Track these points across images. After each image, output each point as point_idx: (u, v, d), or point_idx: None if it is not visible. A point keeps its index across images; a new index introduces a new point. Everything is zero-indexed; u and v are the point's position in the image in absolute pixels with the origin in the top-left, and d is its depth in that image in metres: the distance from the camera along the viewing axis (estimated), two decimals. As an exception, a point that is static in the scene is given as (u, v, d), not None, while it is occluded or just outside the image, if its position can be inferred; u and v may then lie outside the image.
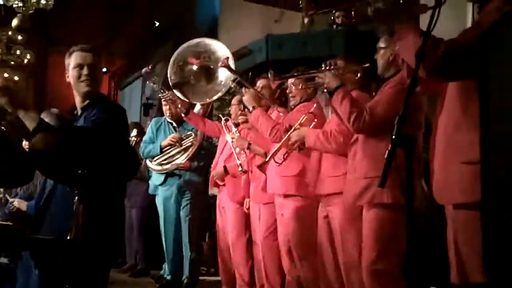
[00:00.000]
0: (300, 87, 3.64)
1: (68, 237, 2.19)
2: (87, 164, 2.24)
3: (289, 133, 3.48)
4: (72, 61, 2.75)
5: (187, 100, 4.73)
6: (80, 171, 2.23)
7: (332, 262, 3.28)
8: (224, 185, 4.67)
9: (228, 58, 4.24)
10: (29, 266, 2.68)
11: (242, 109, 4.26)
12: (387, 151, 1.73)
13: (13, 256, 3.11)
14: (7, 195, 4.71)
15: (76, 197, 2.22)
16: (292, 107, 3.85)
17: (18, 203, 4.33)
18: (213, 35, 8.25)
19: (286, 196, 3.74)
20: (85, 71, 2.71)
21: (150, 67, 4.85)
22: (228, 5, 8.75)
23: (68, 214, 2.58)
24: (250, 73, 4.78)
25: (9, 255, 3.19)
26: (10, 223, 2.77)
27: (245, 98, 3.86)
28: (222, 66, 4.13)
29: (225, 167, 4.62)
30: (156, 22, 10.69)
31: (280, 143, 3.56)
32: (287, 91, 3.87)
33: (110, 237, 2.70)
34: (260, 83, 4.23)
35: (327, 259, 3.32)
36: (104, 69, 12.21)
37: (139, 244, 6.20)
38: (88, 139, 2.36)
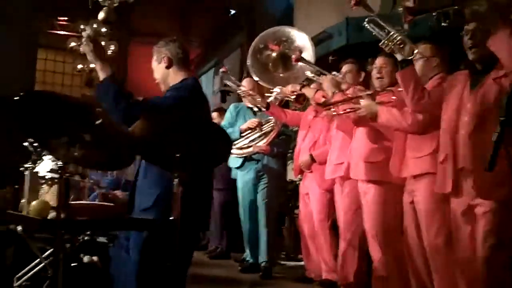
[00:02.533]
0: (389, 68, 3.58)
1: (171, 218, 2.29)
2: (184, 147, 2.33)
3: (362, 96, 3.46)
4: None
5: (267, 86, 4.81)
6: (178, 155, 2.34)
7: (419, 248, 3.24)
8: (311, 172, 4.67)
9: (300, 51, 4.27)
10: (124, 245, 2.84)
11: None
12: (495, 134, 1.70)
13: (111, 235, 3.29)
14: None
15: (176, 180, 2.32)
16: (378, 89, 3.80)
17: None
18: (288, 20, 8.25)
19: (370, 181, 3.71)
20: None
21: (225, 68, 4.96)
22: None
23: (150, 197, 2.74)
24: (331, 58, 4.77)
25: (107, 234, 3.38)
26: (111, 204, 2.92)
27: (324, 85, 3.84)
28: (295, 61, 4.17)
29: (311, 155, 4.63)
30: (231, 10, 10.80)
31: (348, 100, 3.54)
32: (375, 73, 3.78)
33: (203, 218, 2.82)
34: (344, 68, 4.21)
35: (413, 245, 3.29)
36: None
37: (220, 226, 6.31)
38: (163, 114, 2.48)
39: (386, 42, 3.11)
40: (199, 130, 2.37)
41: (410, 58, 3.06)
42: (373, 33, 3.21)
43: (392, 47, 3.08)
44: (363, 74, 4.23)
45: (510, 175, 2.21)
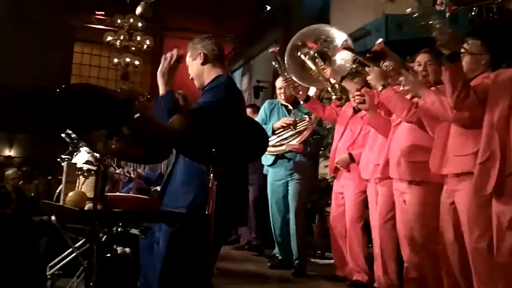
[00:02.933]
0: (434, 66, 3.48)
1: (206, 212, 2.29)
2: (221, 142, 2.33)
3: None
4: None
5: (302, 84, 4.75)
6: (214, 149, 2.34)
7: (457, 250, 3.15)
8: (348, 171, 4.60)
9: (347, 39, 4.20)
10: (156, 238, 2.86)
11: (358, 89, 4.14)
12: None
13: (143, 227, 3.31)
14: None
15: (211, 175, 2.32)
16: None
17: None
18: (324, 17, 8.19)
19: (409, 181, 3.60)
20: None
21: (278, 47, 4.86)
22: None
23: (184, 190, 2.77)
24: (368, 55, 4.68)
25: (139, 226, 3.41)
26: (145, 196, 2.94)
27: (370, 77, 3.69)
28: (343, 49, 4.08)
29: (350, 154, 4.56)
30: (267, 6, 10.78)
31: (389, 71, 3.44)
32: (420, 69, 3.61)
33: (239, 213, 2.82)
34: (388, 63, 4.08)
35: (450, 246, 3.21)
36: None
37: (253, 222, 6.26)
38: (210, 117, 2.48)
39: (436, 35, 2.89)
40: (235, 125, 2.36)
41: (458, 53, 2.90)
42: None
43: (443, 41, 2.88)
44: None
45: None
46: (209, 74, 2.98)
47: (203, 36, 3.06)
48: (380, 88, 3.62)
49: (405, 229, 3.66)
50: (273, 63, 4.92)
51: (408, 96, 3.59)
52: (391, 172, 3.75)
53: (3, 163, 13.58)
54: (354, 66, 4.03)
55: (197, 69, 3.00)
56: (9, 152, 15.45)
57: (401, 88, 3.49)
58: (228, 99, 2.80)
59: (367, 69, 3.72)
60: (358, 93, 3.99)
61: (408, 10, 3.02)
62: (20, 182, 8.19)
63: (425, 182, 3.49)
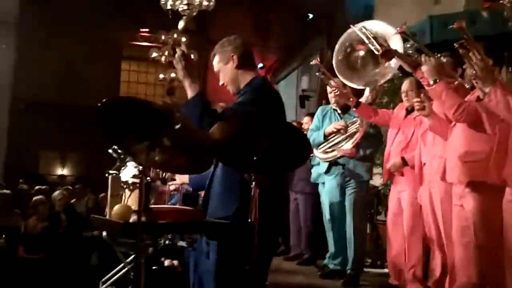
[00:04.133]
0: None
1: (249, 220, 2.26)
2: (262, 150, 2.30)
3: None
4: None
5: (354, 86, 4.66)
6: (255, 157, 2.31)
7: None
8: (402, 175, 4.44)
9: (404, 24, 4.07)
10: (204, 250, 2.83)
11: (417, 93, 4.00)
12: None
13: (191, 239, 3.31)
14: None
15: (253, 183, 2.29)
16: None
17: None
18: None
19: (468, 184, 3.38)
20: None
21: (317, 58, 4.84)
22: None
23: (224, 198, 2.71)
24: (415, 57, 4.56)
25: (187, 238, 3.41)
26: (190, 208, 2.93)
27: (425, 68, 3.47)
28: (399, 33, 3.96)
29: (403, 158, 4.40)
30: (309, 14, 10.75)
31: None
32: (470, 72, 3.38)
33: (276, 222, 2.75)
34: (443, 58, 3.82)
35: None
36: (261, 64, 12.60)
37: (304, 232, 6.16)
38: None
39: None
40: (274, 131, 2.32)
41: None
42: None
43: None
44: (459, 70, 3.92)
45: None
46: (245, 77, 2.83)
47: (231, 38, 2.89)
48: (432, 82, 3.43)
49: (464, 235, 3.45)
50: (317, 73, 4.86)
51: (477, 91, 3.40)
52: (448, 175, 3.55)
53: (56, 182, 13.99)
54: (411, 52, 3.87)
55: (231, 73, 2.84)
56: (61, 171, 15.92)
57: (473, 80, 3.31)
58: (265, 100, 2.69)
59: (422, 59, 3.51)
60: (417, 99, 3.78)
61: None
62: (73, 201, 8.41)
63: (485, 185, 3.27)
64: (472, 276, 3.42)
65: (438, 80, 3.40)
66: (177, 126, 2.31)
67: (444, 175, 3.60)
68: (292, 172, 5.65)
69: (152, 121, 2.26)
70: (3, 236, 6.53)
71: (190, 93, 2.72)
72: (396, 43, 4.25)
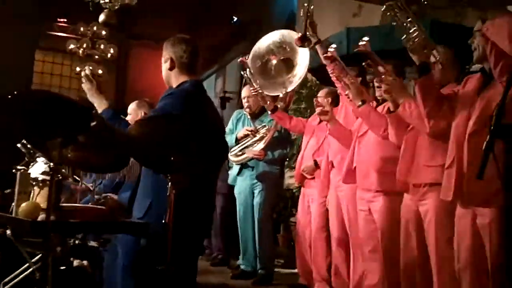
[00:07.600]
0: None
1: (163, 221, 2.25)
2: (179, 150, 2.30)
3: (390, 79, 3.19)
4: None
5: (268, 92, 4.76)
6: (172, 158, 2.30)
7: (420, 260, 3.13)
8: (313, 178, 4.62)
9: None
10: (116, 250, 2.80)
11: (318, 102, 4.26)
12: (484, 142, 1.68)
13: (102, 240, 3.24)
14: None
15: (169, 183, 2.28)
16: (379, 98, 3.73)
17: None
18: (291, 30, 8.23)
19: (378, 191, 3.57)
20: None
21: (246, 57, 4.84)
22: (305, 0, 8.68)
23: (139, 199, 2.73)
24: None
25: (98, 239, 3.33)
26: (103, 207, 2.85)
27: (350, 94, 3.65)
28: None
29: (315, 161, 4.58)
30: (234, 17, 10.78)
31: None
32: (376, 82, 3.55)
33: (199, 223, 2.73)
34: (370, 76, 3.95)
35: (412, 257, 3.20)
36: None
37: (220, 233, 6.18)
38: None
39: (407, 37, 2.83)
40: (194, 134, 2.33)
41: (429, 64, 2.87)
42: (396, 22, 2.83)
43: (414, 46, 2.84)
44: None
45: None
46: (176, 79, 2.84)
47: (176, 40, 2.89)
48: (359, 103, 3.60)
49: (369, 240, 3.65)
50: (242, 72, 4.92)
51: (384, 105, 3.57)
52: (361, 182, 3.71)
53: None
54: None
55: (165, 72, 2.88)
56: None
57: (381, 93, 3.45)
58: (187, 105, 2.67)
59: (347, 81, 3.67)
60: (319, 104, 4.11)
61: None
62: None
63: (394, 192, 3.43)
64: (378, 278, 3.61)
65: (364, 102, 3.59)
66: (93, 124, 2.26)
67: (347, 177, 3.79)
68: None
69: (66, 117, 2.20)
70: None
71: (99, 110, 2.85)
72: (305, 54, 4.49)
